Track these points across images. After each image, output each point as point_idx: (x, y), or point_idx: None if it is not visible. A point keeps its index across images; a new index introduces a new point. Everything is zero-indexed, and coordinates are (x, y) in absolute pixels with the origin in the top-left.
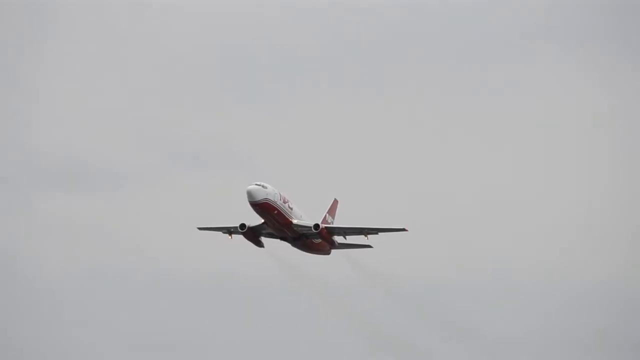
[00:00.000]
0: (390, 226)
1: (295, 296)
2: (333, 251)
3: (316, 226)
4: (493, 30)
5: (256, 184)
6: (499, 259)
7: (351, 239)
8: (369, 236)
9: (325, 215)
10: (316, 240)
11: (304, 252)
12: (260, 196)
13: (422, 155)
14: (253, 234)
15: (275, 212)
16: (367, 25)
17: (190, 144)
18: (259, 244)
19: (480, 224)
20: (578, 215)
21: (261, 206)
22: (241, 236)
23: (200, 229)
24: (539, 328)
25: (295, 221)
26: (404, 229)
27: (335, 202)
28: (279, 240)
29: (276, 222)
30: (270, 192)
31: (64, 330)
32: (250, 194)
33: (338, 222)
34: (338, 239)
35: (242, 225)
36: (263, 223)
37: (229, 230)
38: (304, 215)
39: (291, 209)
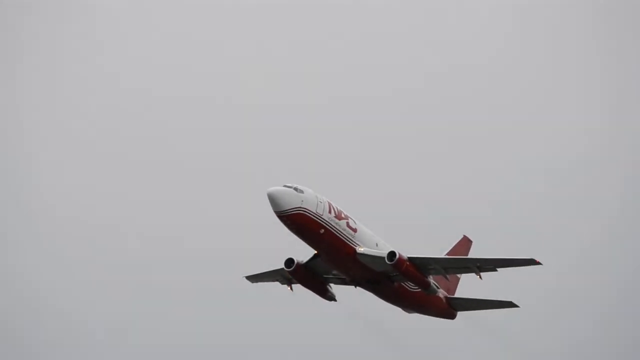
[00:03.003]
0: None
1: None
2: (461, 315)
3: (391, 255)
4: None
5: (285, 186)
6: None
7: (472, 290)
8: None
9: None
10: (409, 285)
11: (412, 313)
12: (289, 203)
13: None
14: (310, 276)
15: (322, 231)
16: None
17: None
18: (326, 293)
19: None
20: None
21: (294, 220)
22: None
23: (248, 278)
24: None
25: (361, 249)
26: (536, 262)
27: (466, 241)
28: (357, 288)
29: (329, 250)
30: (309, 198)
31: None
32: (272, 199)
33: None
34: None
35: (289, 262)
36: (316, 255)
37: (286, 278)
38: (382, 244)
39: (354, 230)
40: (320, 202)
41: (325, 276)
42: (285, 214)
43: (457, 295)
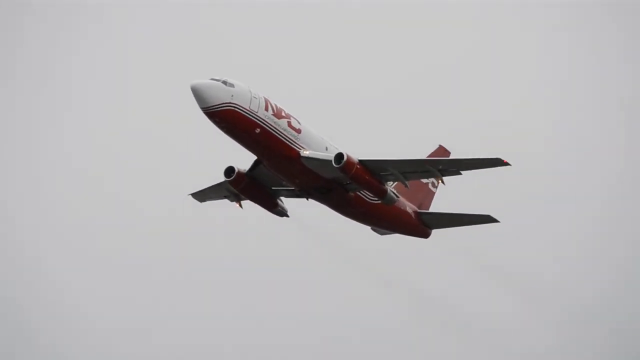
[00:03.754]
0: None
1: None
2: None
3: (338, 157)
4: None
5: (212, 79)
6: None
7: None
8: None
9: None
10: (367, 195)
11: (384, 234)
12: (216, 98)
13: None
14: (255, 188)
15: (258, 130)
16: None
17: None
18: (275, 207)
19: None
20: None
21: (223, 118)
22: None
23: (194, 196)
24: None
25: (306, 152)
26: (503, 162)
27: (443, 151)
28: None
29: (269, 154)
30: (241, 93)
31: None
32: (197, 93)
33: None
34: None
35: (229, 171)
36: (258, 161)
37: (232, 192)
38: (333, 148)
39: (297, 131)
40: (255, 97)
41: (274, 188)
42: (212, 110)
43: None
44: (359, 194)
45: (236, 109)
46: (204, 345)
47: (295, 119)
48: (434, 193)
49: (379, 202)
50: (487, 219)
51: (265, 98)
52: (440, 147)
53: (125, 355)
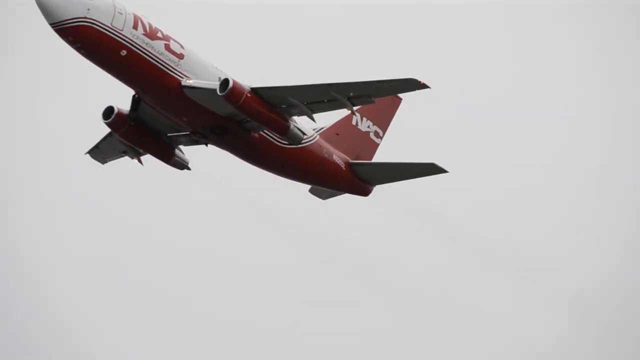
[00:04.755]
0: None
1: None
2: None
3: (224, 84)
4: None
5: None
6: None
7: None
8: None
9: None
10: (275, 138)
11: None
12: (67, 11)
13: None
14: (143, 133)
15: (124, 53)
16: None
17: None
18: (170, 157)
19: None
20: None
21: (75, 35)
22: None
23: (92, 156)
24: None
25: (190, 82)
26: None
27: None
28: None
29: (142, 83)
30: (101, 6)
31: None
32: (43, 5)
33: None
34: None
35: (108, 112)
36: (137, 98)
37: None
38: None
39: (179, 56)
40: (120, 13)
41: (169, 135)
42: (62, 27)
43: None
44: (265, 135)
45: (94, 26)
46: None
47: (177, 42)
48: (377, 144)
49: (293, 146)
50: (433, 169)
51: (135, 15)
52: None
53: None
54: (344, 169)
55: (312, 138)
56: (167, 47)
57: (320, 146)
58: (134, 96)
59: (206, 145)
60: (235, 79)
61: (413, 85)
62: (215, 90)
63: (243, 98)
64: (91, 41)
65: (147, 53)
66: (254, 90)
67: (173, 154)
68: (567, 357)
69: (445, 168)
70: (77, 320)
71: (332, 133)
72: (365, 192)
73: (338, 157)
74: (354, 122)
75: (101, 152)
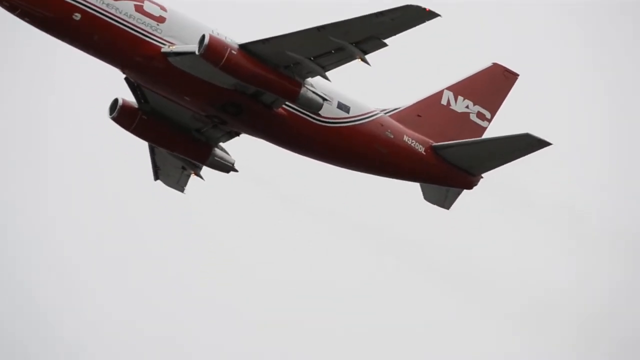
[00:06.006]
0: None
1: None
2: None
3: (201, 42)
4: None
5: None
6: None
7: None
8: None
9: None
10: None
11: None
12: None
13: None
14: (161, 127)
15: (77, 17)
16: None
17: None
18: (205, 157)
19: None
20: None
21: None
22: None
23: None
24: None
25: (171, 48)
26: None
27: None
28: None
29: (113, 55)
30: None
31: None
32: None
33: None
34: None
35: (113, 105)
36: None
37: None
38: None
39: (158, 19)
40: None
41: (199, 129)
42: None
43: None
44: (293, 110)
45: None
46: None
47: (157, 3)
48: (482, 128)
49: (331, 123)
50: (529, 142)
51: None
52: (495, 65)
53: None
54: (423, 153)
55: (365, 115)
56: (139, 9)
57: (382, 125)
58: (125, 78)
59: (237, 134)
60: (220, 35)
61: (418, 14)
62: (193, 52)
63: (226, 56)
64: (31, 3)
65: (110, 16)
66: (244, 47)
67: (208, 153)
68: None
69: (546, 140)
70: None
71: (411, 114)
72: (465, 182)
73: (413, 139)
74: (443, 102)
75: (166, 173)
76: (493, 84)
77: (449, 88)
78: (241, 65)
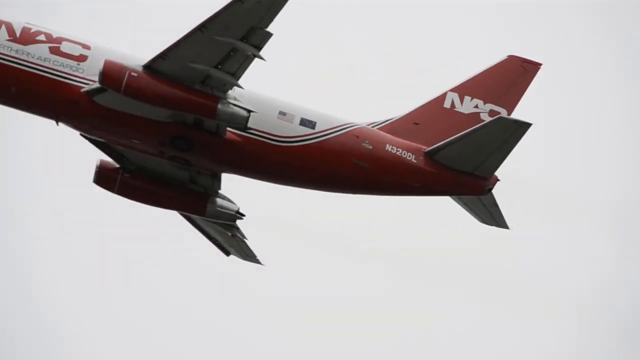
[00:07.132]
0: None
1: None
2: None
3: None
4: None
5: None
6: None
7: None
8: None
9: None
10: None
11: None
12: None
13: None
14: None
15: None
16: None
17: None
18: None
19: None
20: None
21: None
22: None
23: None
24: None
25: (89, 86)
26: None
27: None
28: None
29: (34, 104)
30: None
31: None
32: None
33: None
34: None
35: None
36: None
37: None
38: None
39: (77, 58)
40: None
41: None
42: None
43: None
44: (249, 135)
45: None
46: None
47: (79, 42)
48: None
49: (294, 142)
50: (506, 127)
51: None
52: (512, 57)
53: None
54: (413, 162)
55: (335, 128)
56: (55, 51)
57: (357, 137)
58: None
59: (216, 176)
60: (118, 60)
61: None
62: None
63: (124, 80)
64: None
65: (22, 62)
66: (148, 67)
67: (205, 204)
68: None
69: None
70: None
71: (406, 123)
72: (477, 187)
73: (399, 147)
74: (446, 105)
75: (221, 240)
76: (508, 79)
77: (453, 90)
78: (144, 88)
